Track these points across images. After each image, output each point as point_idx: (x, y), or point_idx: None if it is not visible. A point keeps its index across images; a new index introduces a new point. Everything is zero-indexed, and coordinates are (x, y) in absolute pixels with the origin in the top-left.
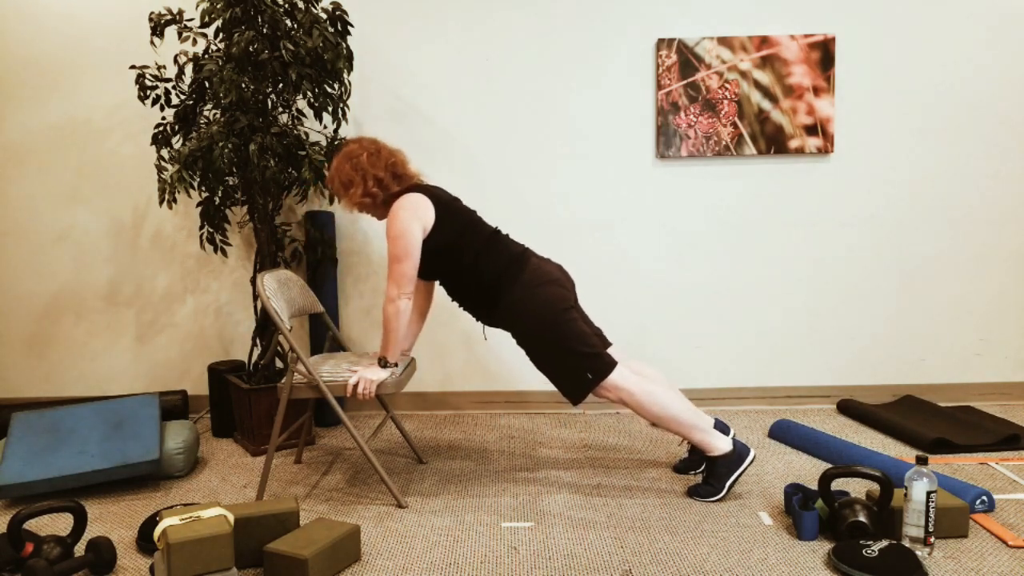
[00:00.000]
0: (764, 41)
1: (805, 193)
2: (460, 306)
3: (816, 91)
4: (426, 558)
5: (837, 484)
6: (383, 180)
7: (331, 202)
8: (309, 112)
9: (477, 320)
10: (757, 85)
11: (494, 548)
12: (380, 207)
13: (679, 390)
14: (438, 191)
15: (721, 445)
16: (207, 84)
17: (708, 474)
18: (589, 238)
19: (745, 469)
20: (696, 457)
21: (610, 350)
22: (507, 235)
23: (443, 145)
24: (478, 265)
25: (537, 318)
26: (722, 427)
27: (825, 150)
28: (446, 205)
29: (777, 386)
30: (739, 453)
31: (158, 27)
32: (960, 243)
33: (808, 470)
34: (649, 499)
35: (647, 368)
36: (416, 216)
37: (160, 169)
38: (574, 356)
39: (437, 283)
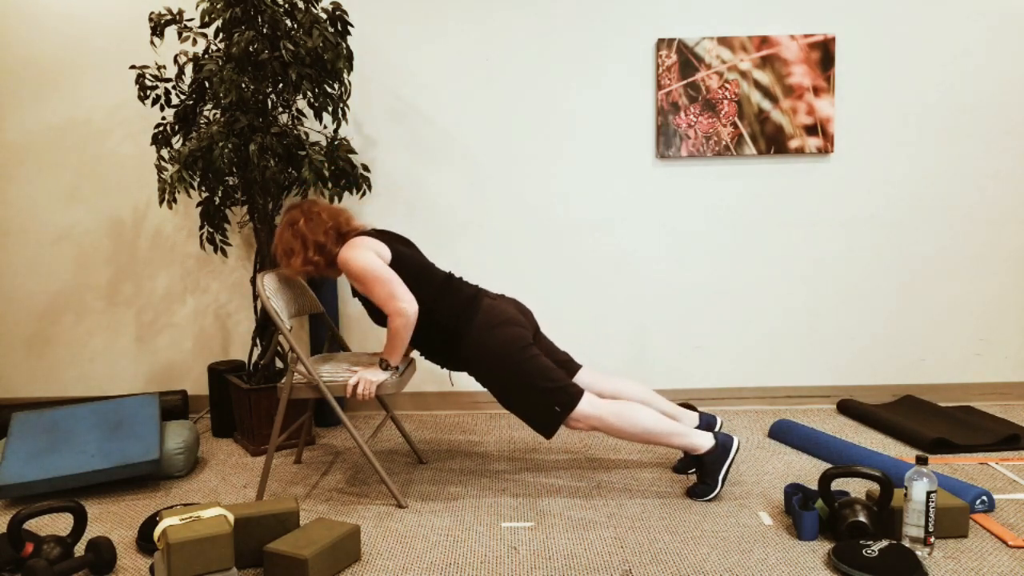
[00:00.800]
0: (764, 41)
1: (805, 193)
2: (422, 355)
3: (816, 91)
4: (426, 558)
5: (837, 484)
6: (324, 245)
7: (331, 202)
8: (309, 112)
9: (442, 367)
10: (757, 85)
11: (494, 548)
12: (328, 269)
13: (656, 393)
14: (388, 233)
15: (703, 443)
16: (207, 84)
17: (700, 473)
18: (589, 238)
19: (733, 459)
20: (690, 458)
21: (581, 372)
22: (460, 278)
23: (443, 145)
24: (433, 311)
25: (496, 360)
26: (708, 420)
27: (825, 150)
28: (397, 248)
29: (777, 386)
30: (723, 445)
31: (158, 27)
32: (960, 243)
33: (808, 470)
34: (649, 499)
35: (619, 382)
36: (365, 247)
37: (160, 169)
38: (538, 392)
39: None
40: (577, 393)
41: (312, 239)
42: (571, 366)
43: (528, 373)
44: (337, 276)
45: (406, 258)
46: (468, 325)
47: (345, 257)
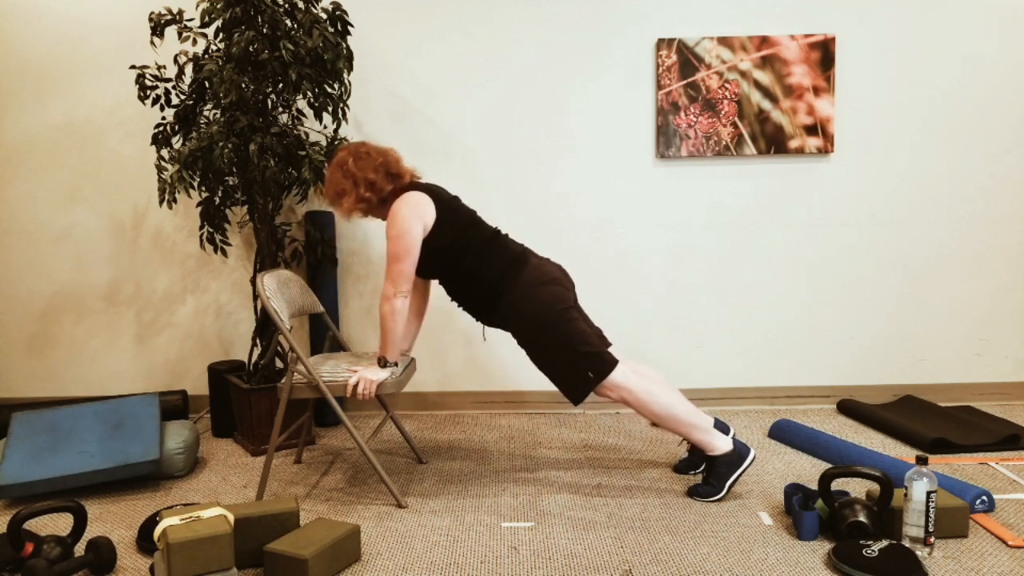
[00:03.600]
0: (764, 41)
1: (805, 193)
2: (460, 306)
3: (816, 91)
4: (426, 558)
5: (837, 484)
6: (375, 183)
7: None
8: (309, 112)
9: (477, 320)
10: (757, 85)
11: (494, 548)
12: (378, 208)
13: (679, 390)
14: (439, 190)
15: (721, 445)
16: (207, 84)
17: (708, 474)
18: (589, 238)
19: (745, 469)
20: (696, 457)
21: (610, 350)
22: (507, 235)
23: (443, 145)
24: (478, 266)
25: (537, 318)
26: (722, 427)
27: (825, 150)
28: (447, 204)
29: (777, 386)
30: (739, 453)
31: (158, 27)
32: (960, 243)
33: (808, 470)
34: (649, 499)
35: (645, 368)
36: (417, 215)
37: (160, 169)
38: (575, 355)
39: (435, 282)
40: (612, 361)
41: (362, 176)
42: (604, 340)
43: (566, 335)
44: (385, 218)
45: (456, 211)
46: (513, 282)
47: (397, 208)
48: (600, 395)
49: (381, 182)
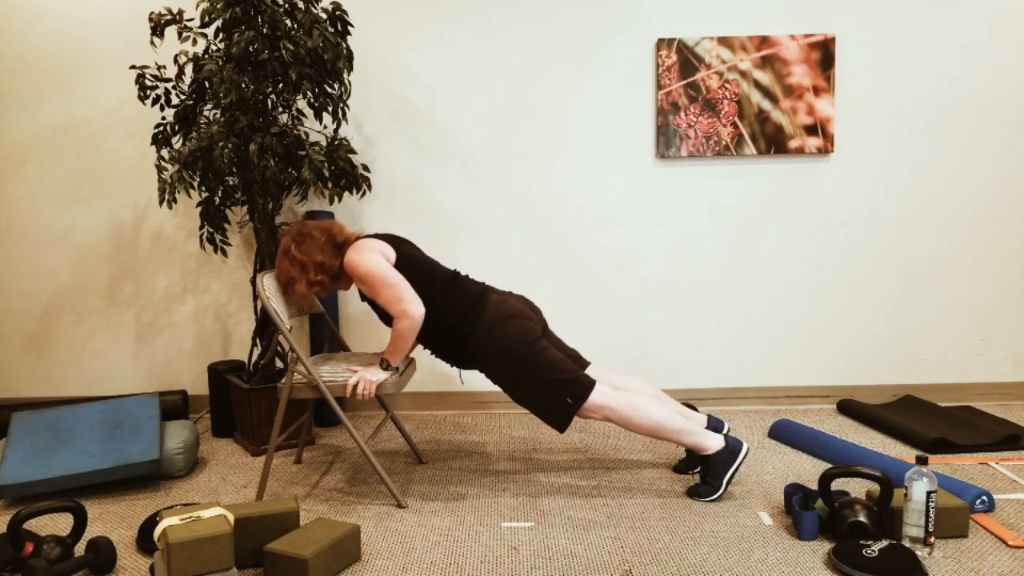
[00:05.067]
0: (764, 41)
1: (805, 193)
2: (432, 353)
3: (816, 91)
4: (426, 558)
5: (837, 484)
6: (323, 263)
7: (331, 202)
8: (309, 112)
9: (451, 365)
10: (757, 85)
11: (494, 548)
12: (335, 284)
13: (663, 392)
14: (390, 236)
15: (713, 444)
16: (207, 84)
17: (705, 473)
18: (589, 238)
19: (740, 464)
20: (695, 457)
21: (589, 369)
22: (466, 276)
23: (443, 145)
24: (440, 308)
25: (505, 353)
26: (716, 424)
27: (825, 150)
28: (402, 249)
29: (777, 386)
30: (732, 449)
31: (158, 27)
32: (960, 243)
33: (808, 470)
34: (649, 499)
35: (628, 379)
36: (372, 249)
37: (160, 169)
38: (550, 384)
39: None
40: (589, 384)
41: (309, 260)
42: (580, 362)
43: (538, 366)
44: (347, 288)
45: (411, 257)
46: (476, 321)
47: (351, 260)
48: (584, 417)
49: (330, 260)
